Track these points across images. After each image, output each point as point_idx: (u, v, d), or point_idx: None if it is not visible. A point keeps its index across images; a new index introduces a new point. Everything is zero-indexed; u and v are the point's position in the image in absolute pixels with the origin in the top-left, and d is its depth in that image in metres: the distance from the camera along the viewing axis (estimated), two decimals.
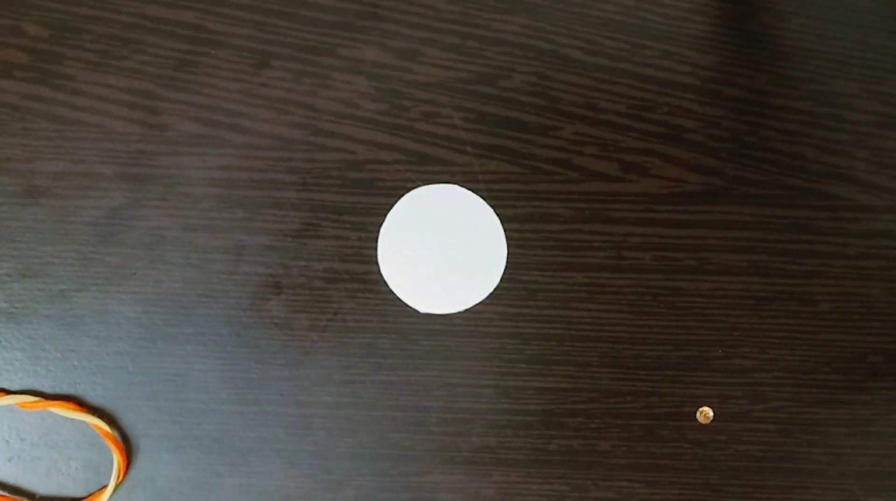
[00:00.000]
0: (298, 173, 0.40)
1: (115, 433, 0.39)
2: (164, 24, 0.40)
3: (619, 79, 0.41)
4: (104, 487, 0.39)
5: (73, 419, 0.39)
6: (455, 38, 0.41)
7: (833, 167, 0.41)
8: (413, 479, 0.40)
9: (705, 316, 0.41)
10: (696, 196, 0.41)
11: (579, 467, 0.41)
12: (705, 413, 0.41)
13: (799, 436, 0.41)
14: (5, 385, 0.39)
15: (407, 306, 0.40)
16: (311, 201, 0.40)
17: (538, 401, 0.40)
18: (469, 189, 0.40)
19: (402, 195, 0.40)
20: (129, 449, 0.39)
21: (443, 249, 0.40)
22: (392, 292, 0.40)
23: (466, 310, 0.40)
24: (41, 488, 0.40)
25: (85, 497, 0.39)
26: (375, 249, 0.40)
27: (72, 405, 0.39)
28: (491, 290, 0.40)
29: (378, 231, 0.40)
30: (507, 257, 0.40)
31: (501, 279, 0.40)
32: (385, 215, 0.40)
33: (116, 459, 0.39)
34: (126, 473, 0.39)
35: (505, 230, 0.40)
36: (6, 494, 0.39)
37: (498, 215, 0.40)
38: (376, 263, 0.40)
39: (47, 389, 0.39)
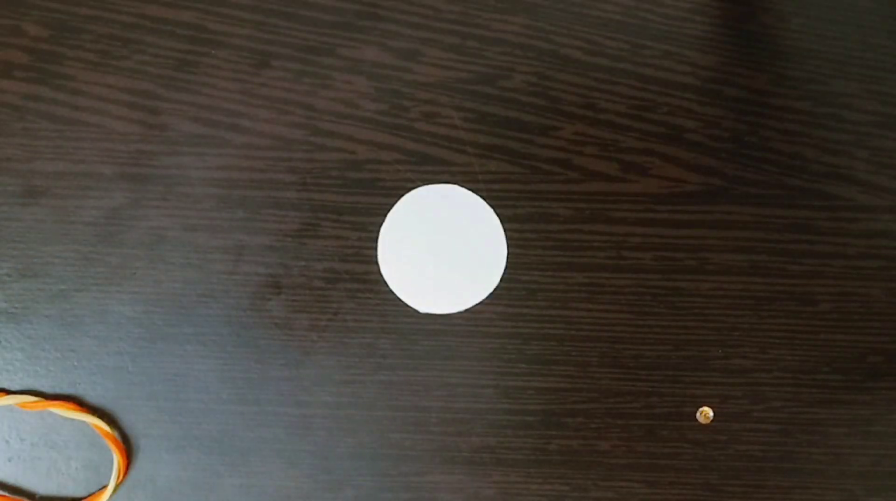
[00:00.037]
0: (298, 173, 0.40)
1: (115, 433, 0.39)
2: (164, 24, 0.40)
3: (619, 79, 0.41)
4: (104, 487, 0.39)
5: (73, 419, 0.39)
6: (455, 38, 0.41)
7: (833, 167, 0.41)
8: (413, 479, 0.40)
9: (705, 316, 0.41)
10: (696, 196, 0.41)
11: (579, 467, 0.41)
12: (705, 413, 0.41)
13: (799, 436, 0.41)
14: (5, 385, 0.39)
15: (407, 306, 0.40)
16: (311, 201, 0.40)
17: (538, 401, 0.40)
18: (469, 189, 0.40)
19: (402, 195, 0.40)
20: (129, 449, 0.39)
21: (443, 249, 0.40)
22: (392, 292, 0.40)
23: (466, 310, 0.40)
24: (41, 488, 0.39)
25: (85, 497, 0.39)
26: (375, 249, 0.40)
27: (72, 405, 0.39)
28: (491, 290, 0.40)
29: (378, 231, 0.40)
30: (507, 257, 0.40)
31: (501, 279, 0.40)
32: (385, 215, 0.40)
33: (116, 459, 0.39)
34: (126, 473, 0.39)
35: (505, 230, 0.40)
36: (6, 494, 0.39)
37: (498, 215, 0.40)
38: (376, 263, 0.40)
39: (47, 389, 0.39)
